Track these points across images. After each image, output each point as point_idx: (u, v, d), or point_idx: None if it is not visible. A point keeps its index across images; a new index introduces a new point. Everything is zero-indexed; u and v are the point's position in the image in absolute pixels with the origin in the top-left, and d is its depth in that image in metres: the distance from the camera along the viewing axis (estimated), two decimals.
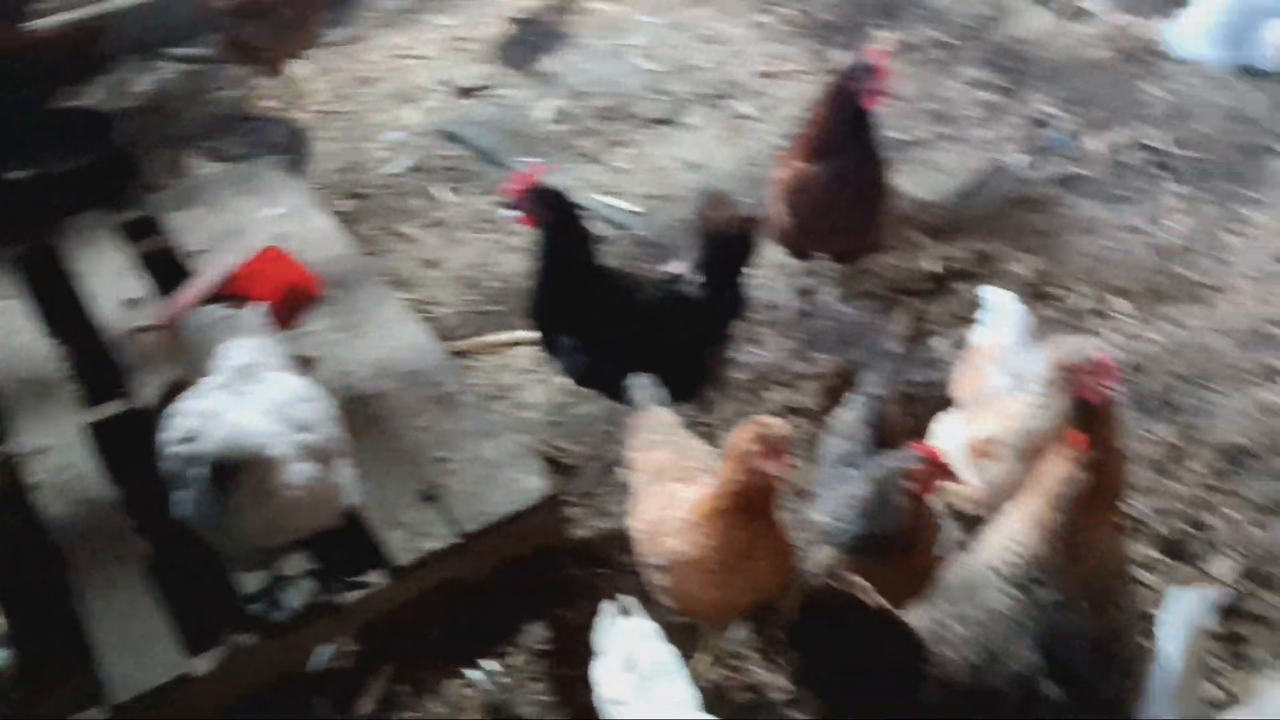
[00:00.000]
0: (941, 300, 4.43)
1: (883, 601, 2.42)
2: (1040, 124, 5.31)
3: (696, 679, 2.89)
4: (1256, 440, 3.79)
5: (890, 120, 5.28)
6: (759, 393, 4.11)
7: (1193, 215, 4.76)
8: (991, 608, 2.53)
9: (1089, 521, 2.53)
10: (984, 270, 4.51)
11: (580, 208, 3.58)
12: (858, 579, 2.46)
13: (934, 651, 2.40)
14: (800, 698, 3.14)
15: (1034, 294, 4.37)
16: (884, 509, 2.84)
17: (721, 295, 3.57)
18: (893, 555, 2.89)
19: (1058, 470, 2.55)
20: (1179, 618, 2.49)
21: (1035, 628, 2.50)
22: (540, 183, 3.41)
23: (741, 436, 2.67)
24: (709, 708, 2.66)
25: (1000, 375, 3.23)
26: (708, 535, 2.74)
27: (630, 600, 2.85)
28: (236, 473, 2.71)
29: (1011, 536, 2.57)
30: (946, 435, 3.30)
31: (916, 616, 2.53)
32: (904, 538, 2.86)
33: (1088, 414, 2.64)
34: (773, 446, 2.62)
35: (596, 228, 4.80)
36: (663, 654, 2.70)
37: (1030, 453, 2.89)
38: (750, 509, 2.71)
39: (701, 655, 3.21)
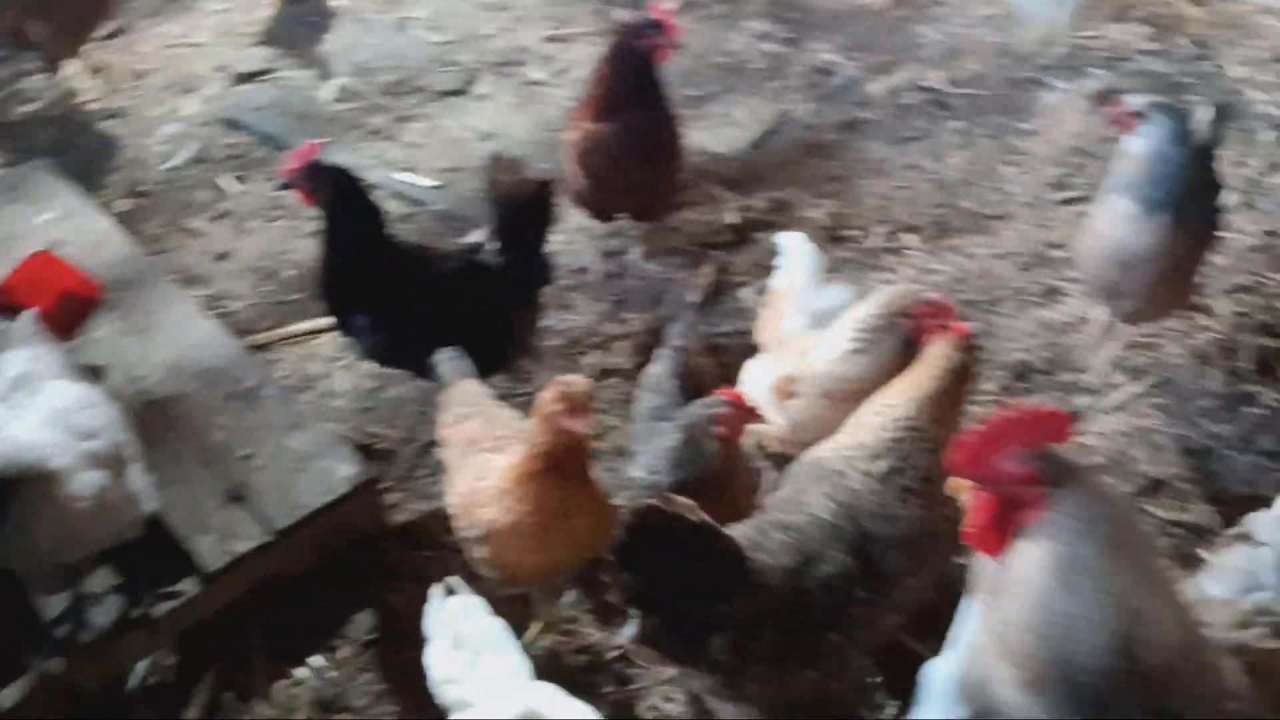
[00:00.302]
0: (744, 250, 4.51)
1: (705, 518, 2.50)
2: (824, 72, 5.44)
3: (530, 648, 2.91)
4: (1041, 356, 3.99)
5: (680, 77, 5.34)
6: (574, 358, 4.11)
7: (971, 150, 4.97)
8: (811, 513, 2.60)
9: (951, 408, 2.72)
10: (782, 218, 4.61)
11: (363, 182, 3.49)
12: (681, 499, 2.54)
13: (753, 559, 2.47)
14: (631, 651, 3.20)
15: (830, 237, 4.50)
16: (694, 455, 2.89)
17: (522, 262, 3.54)
18: (708, 500, 2.93)
19: (941, 349, 2.77)
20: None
21: (850, 530, 2.60)
22: (317, 159, 3.32)
23: (546, 397, 2.67)
24: (545, 674, 2.65)
25: (797, 315, 3.31)
26: (520, 500, 2.74)
27: (455, 580, 2.82)
28: (17, 488, 2.56)
29: (885, 404, 2.73)
30: (754, 380, 3.37)
31: (739, 529, 2.61)
32: (716, 482, 2.90)
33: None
34: (576, 404, 2.63)
35: (392, 204, 4.73)
36: (490, 627, 2.68)
37: (849, 395, 2.98)
38: (561, 469, 2.71)
39: (534, 624, 3.21)
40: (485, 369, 3.30)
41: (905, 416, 2.69)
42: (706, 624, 2.46)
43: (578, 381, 2.67)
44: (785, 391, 3.12)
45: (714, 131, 5.11)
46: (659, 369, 3.30)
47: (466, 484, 2.89)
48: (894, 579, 2.57)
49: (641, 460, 3.17)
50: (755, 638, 2.44)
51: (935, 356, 2.79)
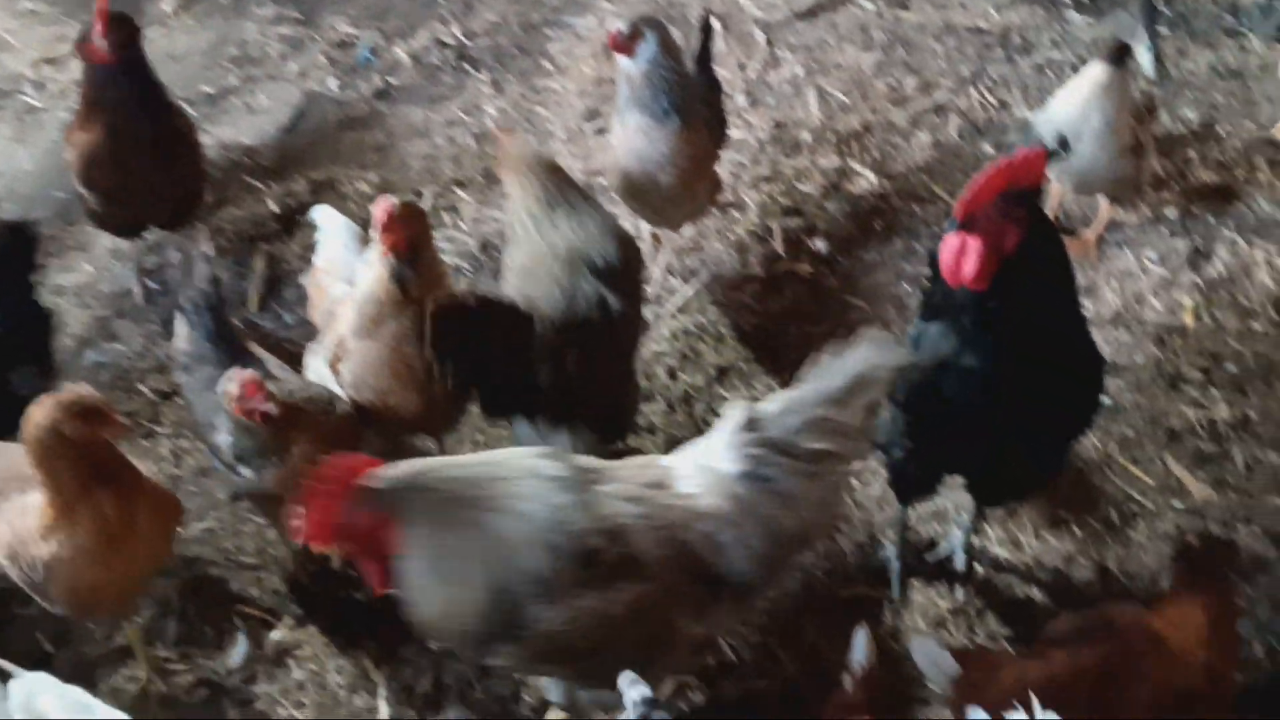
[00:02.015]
0: (294, 237, 4.37)
1: (478, 292, 3.06)
2: (344, 45, 5.33)
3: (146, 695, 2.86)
4: None
5: (194, 73, 5.09)
6: (132, 386, 3.85)
7: (504, 97, 5.04)
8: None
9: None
10: (328, 197, 4.47)
11: None
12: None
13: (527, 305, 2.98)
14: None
15: None
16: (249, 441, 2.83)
17: (9, 310, 3.24)
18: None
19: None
20: None
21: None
22: None
23: (46, 415, 2.49)
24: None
25: (340, 286, 3.25)
26: (77, 526, 2.57)
27: (2, 663, 2.55)
28: None
29: None
30: (315, 363, 3.28)
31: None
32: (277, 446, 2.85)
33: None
34: (88, 411, 2.49)
35: None
36: (69, 695, 2.45)
37: (374, 320, 3.00)
38: (103, 483, 2.57)
39: (138, 666, 3.01)
40: None
41: None
42: (526, 365, 2.97)
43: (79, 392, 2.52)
44: (339, 358, 3.05)
45: (240, 123, 4.89)
46: (182, 340, 3.14)
47: (8, 533, 2.64)
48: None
49: (220, 437, 2.98)
50: (565, 359, 2.98)
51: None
